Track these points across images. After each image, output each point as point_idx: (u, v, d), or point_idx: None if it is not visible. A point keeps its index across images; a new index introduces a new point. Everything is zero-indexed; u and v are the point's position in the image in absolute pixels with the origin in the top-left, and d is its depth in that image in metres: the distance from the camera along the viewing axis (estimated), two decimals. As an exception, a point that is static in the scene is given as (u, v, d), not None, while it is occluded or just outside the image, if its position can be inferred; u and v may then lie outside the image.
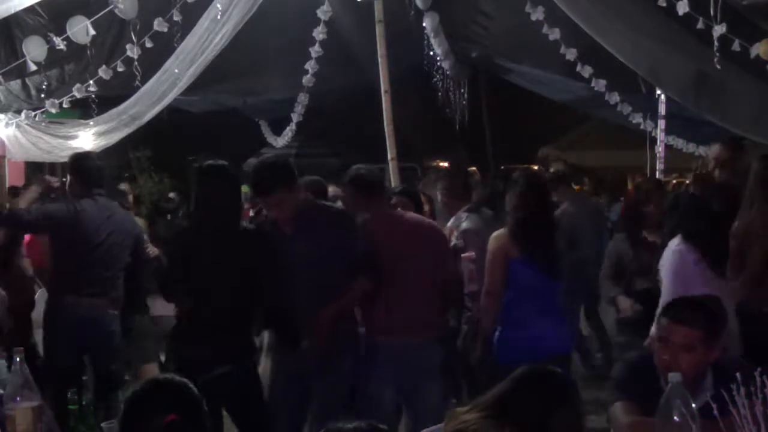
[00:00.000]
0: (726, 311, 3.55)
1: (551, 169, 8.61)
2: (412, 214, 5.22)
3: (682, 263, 5.03)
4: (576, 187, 9.58)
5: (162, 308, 7.24)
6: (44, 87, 8.01)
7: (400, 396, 4.93)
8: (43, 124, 8.56)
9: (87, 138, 8.52)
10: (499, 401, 2.76)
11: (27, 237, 6.55)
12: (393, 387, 4.83)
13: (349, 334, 4.73)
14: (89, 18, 7.29)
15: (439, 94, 10.60)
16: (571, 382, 2.92)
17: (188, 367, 4.44)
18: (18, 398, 2.91)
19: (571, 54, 8.44)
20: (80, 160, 6.00)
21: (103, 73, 7.70)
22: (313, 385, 4.65)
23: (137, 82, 7.69)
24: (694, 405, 2.55)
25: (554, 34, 8.14)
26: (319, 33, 8.67)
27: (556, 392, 2.78)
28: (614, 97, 9.48)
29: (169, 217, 7.67)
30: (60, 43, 7.38)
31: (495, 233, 5.32)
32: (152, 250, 6.24)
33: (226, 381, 4.51)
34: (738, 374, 2.49)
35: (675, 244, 5.10)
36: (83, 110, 8.64)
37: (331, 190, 6.05)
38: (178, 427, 2.32)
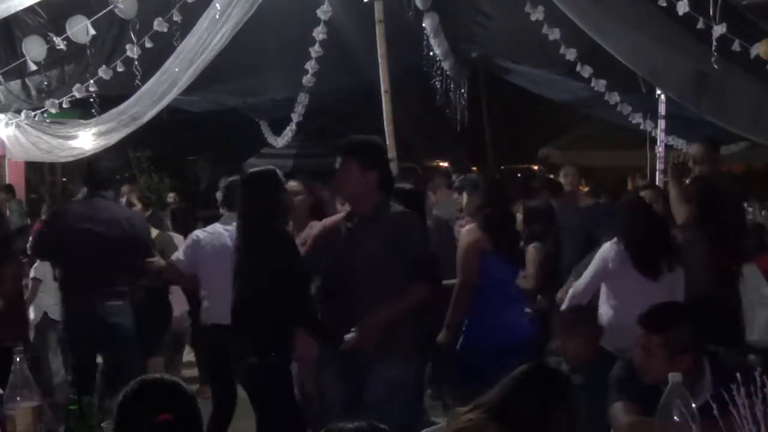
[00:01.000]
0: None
1: (562, 174, 8.68)
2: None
3: (606, 260, 5.36)
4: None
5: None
6: (44, 87, 8.01)
7: None
8: (44, 124, 8.55)
9: (87, 138, 8.50)
10: (500, 400, 2.76)
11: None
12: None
13: (407, 339, 4.48)
14: (89, 18, 7.29)
15: (438, 95, 10.59)
16: (567, 378, 2.94)
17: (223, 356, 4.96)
18: (18, 398, 2.91)
19: (570, 54, 8.44)
20: (89, 164, 6.20)
21: (103, 73, 7.70)
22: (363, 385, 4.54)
23: (137, 82, 7.69)
24: (693, 405, 2.56)
25: (554, 34, 8.14)
26: (319, 33, 8.67)
27: (555, 389, 2.79)
28: (614, 97, 9.47)
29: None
30: (60, 43, 7.38)
31: (466, 228, 5.79)
32: (158, 262, 6.15)
33: (254, 372, 4.65)
34: (738, 374, 2.49)
35: (612, 240, 5.40)
36: (83, 110, 8.63)
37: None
38: (171, 426, 2.33)
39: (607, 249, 5.39)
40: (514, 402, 2.74)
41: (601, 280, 5.41)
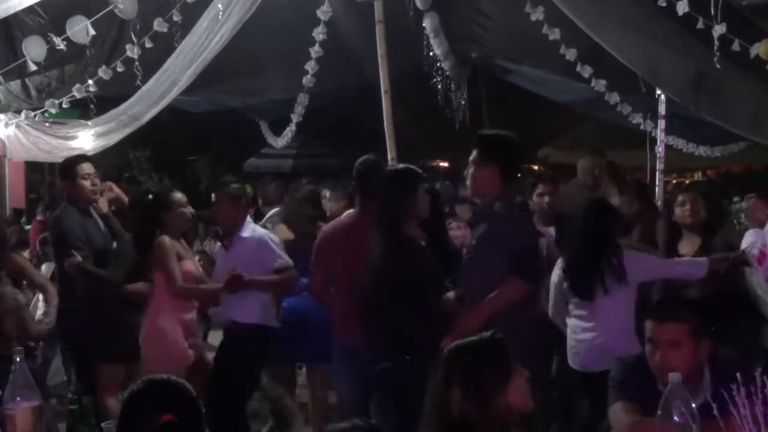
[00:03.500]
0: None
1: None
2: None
3: (554, 277, 5.37)
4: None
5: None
6: (44, 87, 8.01)
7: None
8: (44, 124, 8.54)
9: (87, 138, 8.50)
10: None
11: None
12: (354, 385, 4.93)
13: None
14: (89, 18, 7.29)
15: (438, 95, 10.58)
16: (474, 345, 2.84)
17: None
18: (18, 398, 2.91)
19: (571, 54, 8.43)
20: None
21: (103, 73, 7.69)
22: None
23: (138, 83, 7.69)
24: (694, 405, 2.55)
25: (554, 35, 8.13)
26: (319, 33, 8.66)
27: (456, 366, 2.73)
28: (614, 97, 9.46)
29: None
30: (60, 44, 7.37)
31: None
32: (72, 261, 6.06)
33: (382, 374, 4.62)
34: (738, 374, 2.49)
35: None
36: (83, 110, 8.64)
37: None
38: (174, 427, 2.32)
39: (557, 266, 5.36)
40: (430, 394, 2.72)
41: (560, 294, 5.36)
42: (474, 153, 4.54)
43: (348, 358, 4.89)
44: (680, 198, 6.10)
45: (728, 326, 4.88)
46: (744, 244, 4.74)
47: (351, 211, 5.20)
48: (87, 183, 6.16)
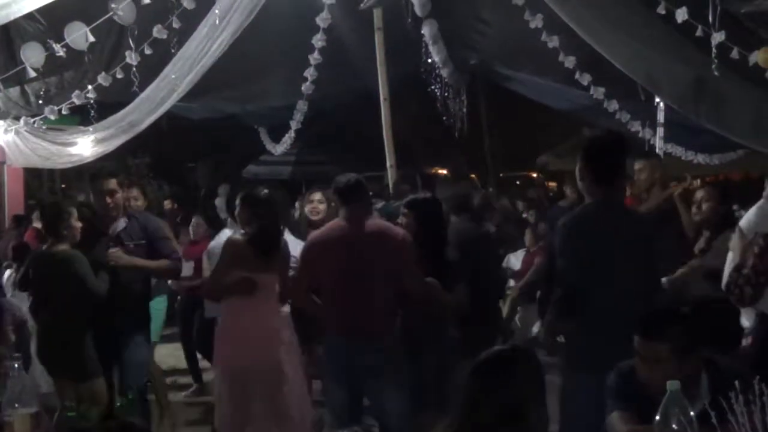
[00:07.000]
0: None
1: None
2: (376, 221, 5.26)
3: None
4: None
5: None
6: (43, 93, 8.01)
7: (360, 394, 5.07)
8: (43, 130, 8.54)
9: (86, 145, 8.50)
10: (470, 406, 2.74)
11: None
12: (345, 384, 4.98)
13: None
14: (88, 24, 7.30)
15: (438, 102, 10.60)
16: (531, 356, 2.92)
17: None
18: (17, 404, 2.90)
19: (569, 62, 8.44)
20: None
21: (102, 79, 7.70)
22: None
23: (135, 89, 7.69)
24: (692, 413, 2.55)
25: (553, 42, 8.15)
26: (318, 40, 8.67)
27: (518, 372, 2.77)
28: (613, 105, 9.48)
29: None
30: (59, 50, 7.38)
31: None
32: None
33: None
34: (736, 382, 2.49)
35: None
36: (83, 117, 8.63)
37: None
38: None
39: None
40: (481, 397, 2.73)
41: None
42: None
43: (342, 352, 4.97)
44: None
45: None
46: None
47: (337, 220, 5.21)
48: (107, 199, 5.71)
